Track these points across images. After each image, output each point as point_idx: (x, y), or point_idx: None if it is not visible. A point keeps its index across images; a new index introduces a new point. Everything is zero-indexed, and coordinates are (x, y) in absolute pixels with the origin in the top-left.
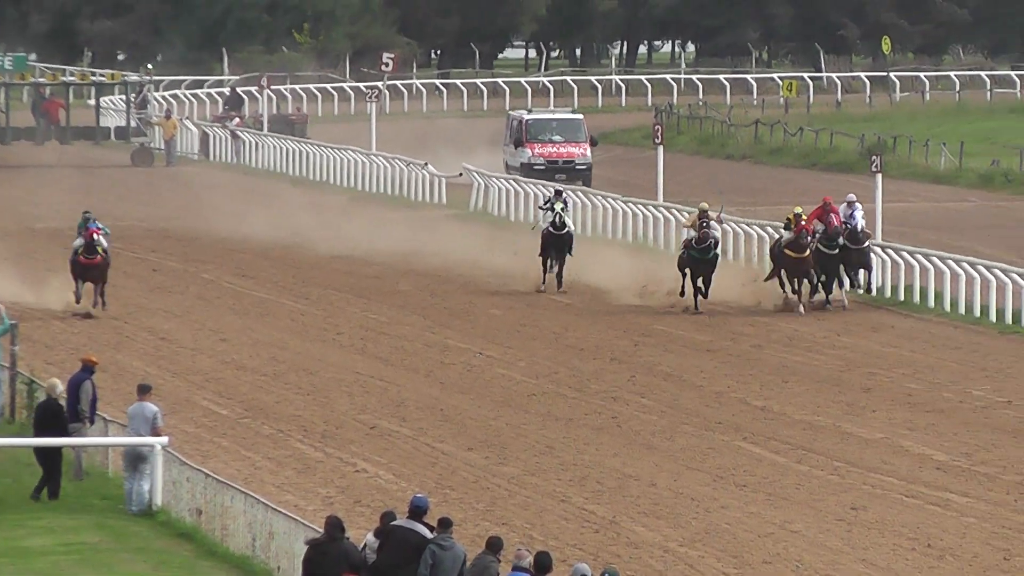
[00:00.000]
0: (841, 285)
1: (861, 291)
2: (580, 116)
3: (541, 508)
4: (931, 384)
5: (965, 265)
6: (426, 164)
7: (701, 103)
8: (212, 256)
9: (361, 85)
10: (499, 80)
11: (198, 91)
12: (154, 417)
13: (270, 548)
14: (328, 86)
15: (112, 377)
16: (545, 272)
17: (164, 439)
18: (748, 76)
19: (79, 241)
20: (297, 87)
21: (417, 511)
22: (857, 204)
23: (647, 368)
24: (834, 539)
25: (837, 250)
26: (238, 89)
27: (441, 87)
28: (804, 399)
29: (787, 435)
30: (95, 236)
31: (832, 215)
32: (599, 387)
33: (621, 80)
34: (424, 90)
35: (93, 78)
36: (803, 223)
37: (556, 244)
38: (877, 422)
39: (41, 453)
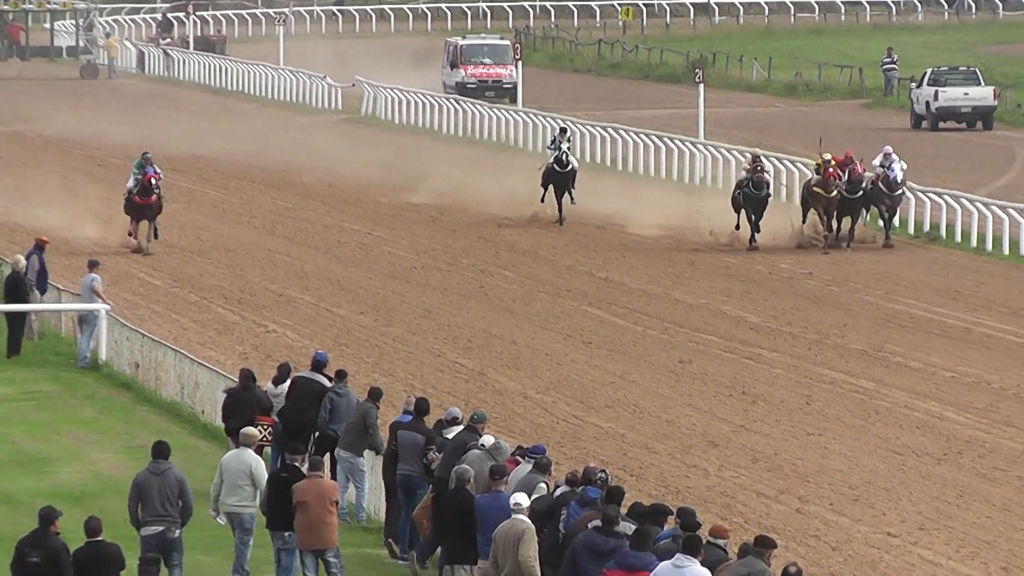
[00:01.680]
0: (884, 225)
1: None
2: (507, 42)
3: (420, 362)
4: (746, 258)
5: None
6: (324, 76)
7: (553, 25)
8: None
9: (271, 11)
10: (385, 7)
11: (135, 16)
12: (92, 284)
13: (196, 395)
14: (244, 12)
15: (64, 255)
16: (544, 196)
17: (108, 305)
18: (592, 3)
19: (132, 183)
20: (218, 12)
21: (318, 364)
22: (894, 156)
23: (509, 246)
24: (665, 387)
25: (860, 194)
26: (169, 15)
27: (353, 12)
28: (639, 271)
29: (625, 301)
30: (152, 181)
31: (854, 164)
32: (469, 261)
33: (487, 7)
34: (340, 15)
35: (49, 5)
36: (831, 170)
37: (559, 180)
38: (700, 290)
39: (8, 317)
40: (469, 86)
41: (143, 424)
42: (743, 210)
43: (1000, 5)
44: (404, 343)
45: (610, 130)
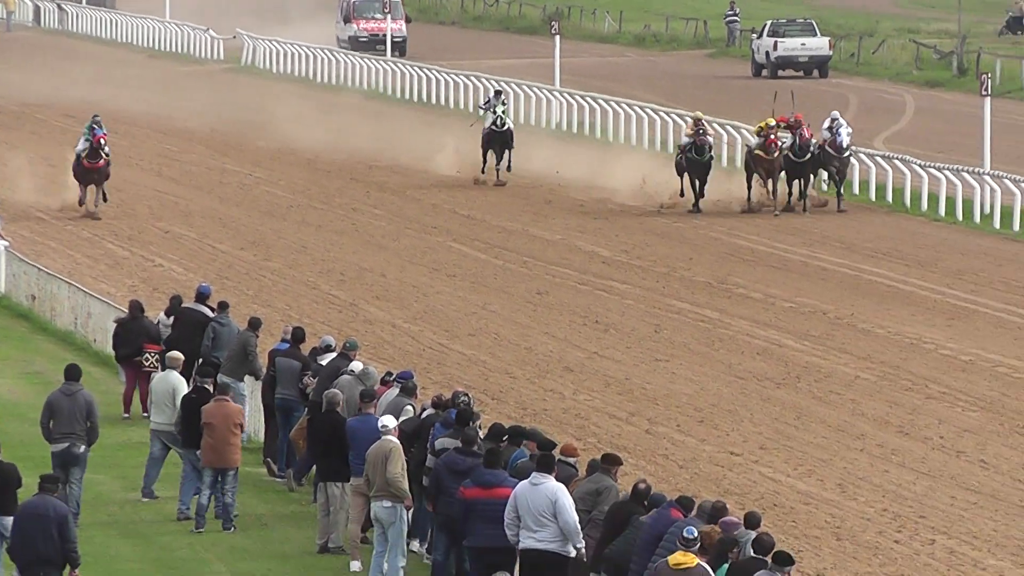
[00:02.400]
0: (827, 187)
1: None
2: None
3: (297, 294)
4: (598, 199)
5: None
6: (207, 29)
7: None
8: (46, 101)
9: None
10: None
11: None
12: None
13: (88, 325)
14: None
15: None
16: (485, 163)
17: (6, 241)
18: None
19: (83, 145)
20: None
21: (202, 296)
22: (841, 120)
23: (379, 186)
24: (523, 317)
25: (807, 157)
26: None
27: None
28: (500, 209)
29: (486, 237)
30: (101, 141)
31: (804, 129)
32: (342, 200)
33: None
34: None
35: None
36: (772, 137)
37: (498, 140)
38: (556, 227)
39: None
40: (361, 39)
41: (39, 352)
42: (686, 174)
43: None
44: (282, 276)
45: (473, 77)
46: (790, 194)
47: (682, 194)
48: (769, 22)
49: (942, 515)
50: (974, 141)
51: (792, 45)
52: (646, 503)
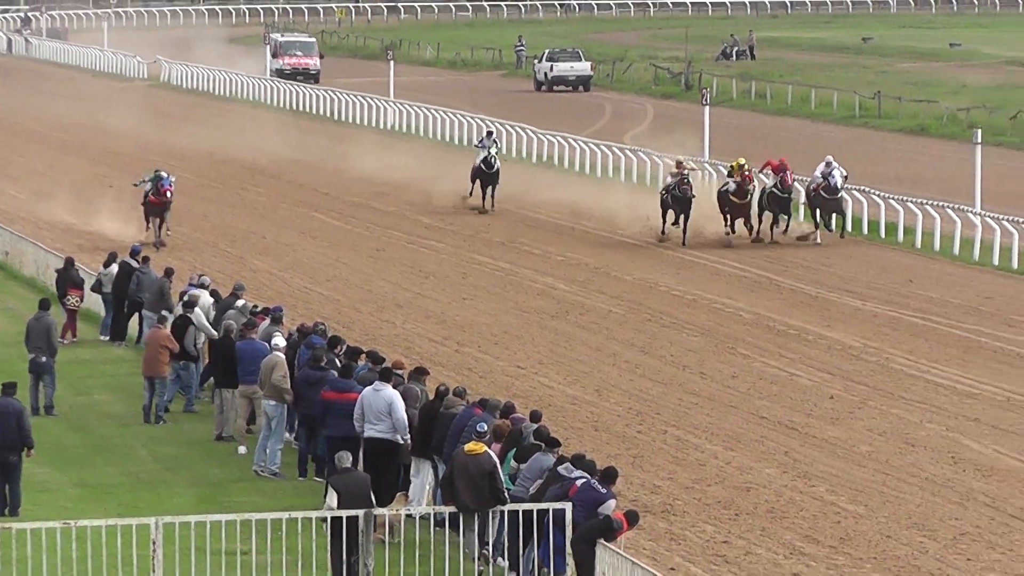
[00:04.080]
0: (817, 226)
1: (832, 233)
2: (313, 39)
3: (200, 250)
4: (422, 189)
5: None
6: (135, 55)
7: (292, 20)
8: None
9: (98, 10)
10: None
11: (4, 14)
12: None
13: (47, 274)
14: (80, 11)
15: None
16: (472, 191)
17: None
18: (318, 5)
19: (149, 187)
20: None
21: (133, 252)
22: (835, 164)
23: (260, 171)
24: (367, 267)
25: (788, 194)
26: (28, 12)
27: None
28: (350, 188)
29: (339, 208)
30: (168, 194)
31: (787, 172)
32: (233, 181)
33: (246, 8)
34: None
35: None
36: (747, 173)
37: (486, 178)
38: (393, 202)
39: None
40: (285, 71)
41: (11, 294)
42: (670, 211)
43: (596, 7)
44: (189, 239)
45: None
46: (771, 226)
47: (663, 231)
48: (547, 50)
49: (672, 412)
50: (698, 140)
51: (563, 67)
52: (444, 400)
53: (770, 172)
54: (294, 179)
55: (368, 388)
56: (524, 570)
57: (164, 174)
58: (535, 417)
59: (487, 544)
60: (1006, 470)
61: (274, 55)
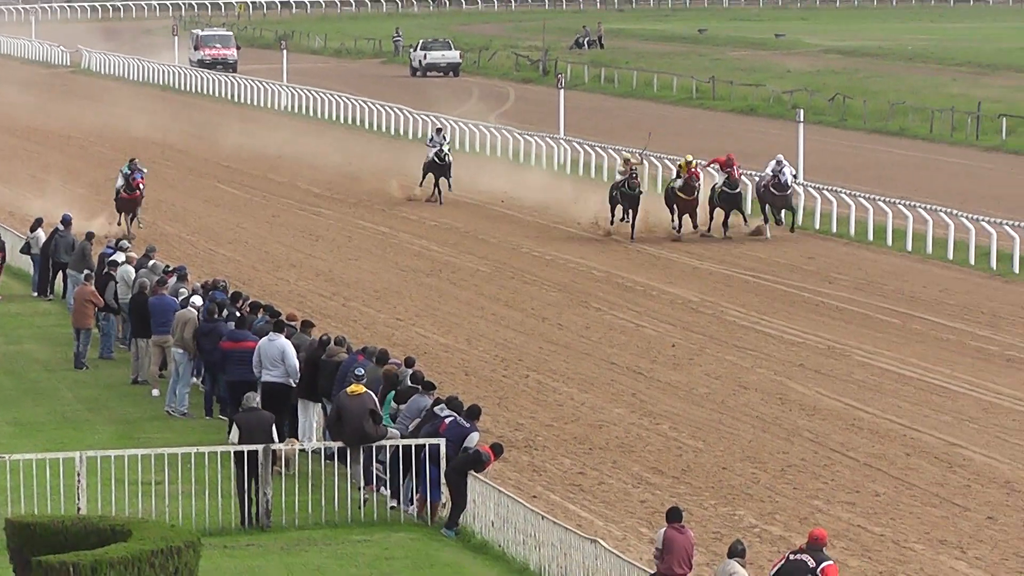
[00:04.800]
0: (766, 220)
1: (782, 225)
2: (231, 33)
3: (116, 215)
4: (311, 164)
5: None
6: (59, 45)
7: (197, 14)
8: None
9: (26, 6)
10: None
11: None
12: None
13: None
14: (9, 6)
15: None
16: (423, 182)
17: None
18: (220, 1)
19: (121, 182)
20: None
21: (65, 220)
22: (785, 162)
23: (170, 147)
24: (263, 231)
25: (738, 190)
26: None
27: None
28: (249, 162)
29: (240, 179)
30: (141, 186)
31: (734, 167)
32: (145, 155)
33: (157, 4)
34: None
35: None
36: (693, 169)
37: (438, 171)
38: (286, 173)
39: None
40: (206, 62)
41: None
42: (619, 206)
43: (463, 1)
44: (109, 205)
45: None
46: (724, 222)
47: (612, 222)
48: (421, 40)
49: (534, 359)
50: (554, 117)
51: (436, 55)
52: (326, 349)
53: (717, 168)
54: (199, 154)
55: (264, 338)
56: (404, 499)
57: (139, 164)
58: (409, 363)
59: (371, 475)
60: (827, 410)
61: (195, 47)
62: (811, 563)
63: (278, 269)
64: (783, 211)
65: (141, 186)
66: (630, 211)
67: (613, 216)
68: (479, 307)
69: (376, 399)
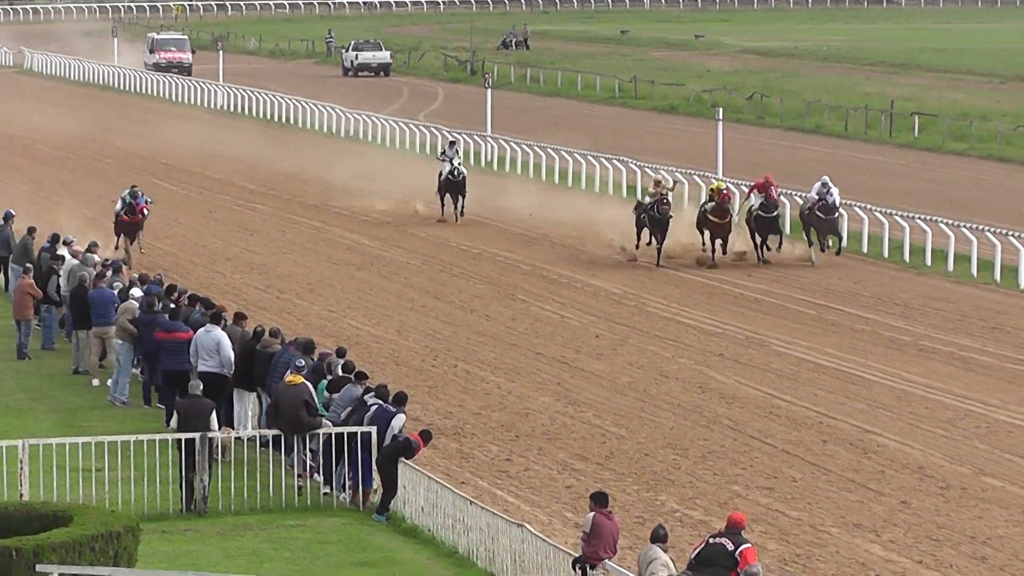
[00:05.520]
0: (811, 245)
1: (829, 252)
2: (186, 36)
3: (51, 209)
4: (250, 163)
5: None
6: (2, 47)
7: (136, 16)
8: None
9: None
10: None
11: None
12: None
13: None
14: None
15: None
16: (443, 206)
17: None
18: (158, 3)
19: (120, 206)
20: None
21: (7, 215)
22: (831, 184)
23: (109, 144)
24: (200, 226)
25: (775, 214)
26: None
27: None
28: (186, 160)
29: (176, 176)
30: (144, 212)
31: (772, 188)
32: (85, 153)
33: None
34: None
35: None
36: (724, 192)
37: (453, 189)
38: (221, 170)
39: None
40: (161, 65)
41: None
42: (646, 230)
43: (394, 3)
44: (50, 201)
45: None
46: (759, 246)
47: (637, 246)
48: (352, 41)
49: (462, 349)
50: (481, 116)
51: (367, 56)
52: (260, 340)
53: (755, 192)
54: (138, 151)
55: (201, 329)
56: (336, 485)
57: (140, 192)
58: (341, 353)
59: (305, 463)
60: (746, 398)
61: (151, 51)
62: (730, 546)
63: (214, 263)
64: (829, 236)
65: (145, 211)
66: (658, 236)
67: (639, 240)
68: (409, 299)
69: (312, 390)
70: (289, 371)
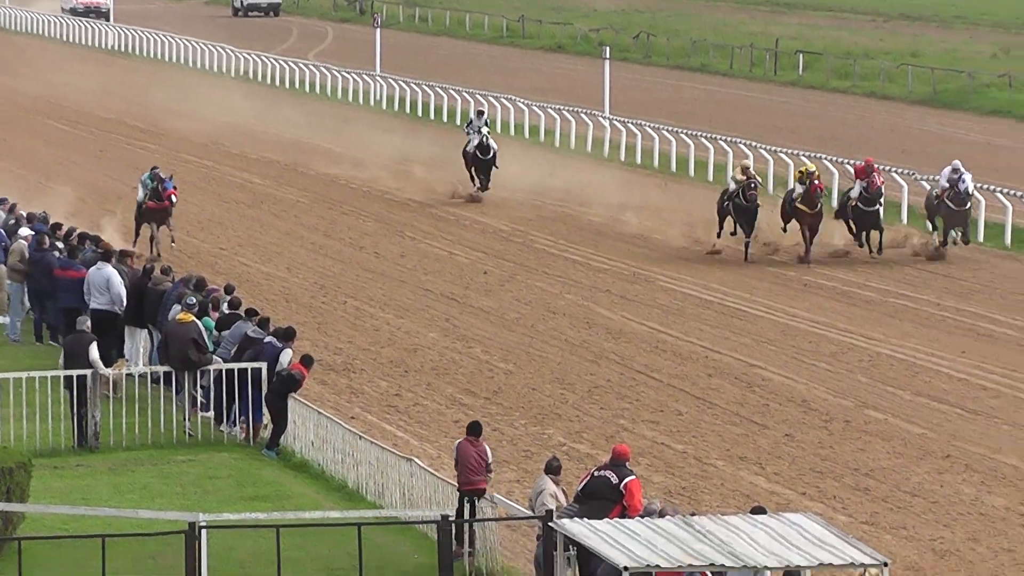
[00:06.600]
0: (944, 240)
1: (957, 245)
2: None
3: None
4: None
5: None
6: None
7: None
8: None
9: None
10: None
11: None
12: None
13: None
14: None
15: None
16: (473, 180)
17: None
18: None
19: (143, 194)
20: None
21: None
22: (963, 169)
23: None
24: (92, 166)
25: (877, 207)
26: None
27: None
28: (79, 101)
29: (68, 116)
30: (172, 198)
31: (875, 175)
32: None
33: None
34: None
35: None
36: (816, 183)
37: (482, 166)
38: (113, 110)
39: None
40: (79, 10)
41: None
42: (730, 218)
43: None
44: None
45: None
46: (860, 244)
47: (719, 235)
48: None
49: (351, 286)
50: (370, 56)
51: None
52: (151, 277)
53: (855, 179)
54: (28, 91)
55: (92, 267)
56: (227, 421)
57: (164, 175)
58: (229, 290)
59: (196, 399)
60: (632, 333)
61: None
62: (615, 479)
63: (106, 202)
64: (958, 228)
65: (173, 197)
66: (745, 225)
67: (721, 229)
68: (299, 237)
69: (201, 328)
70: (180, 309)
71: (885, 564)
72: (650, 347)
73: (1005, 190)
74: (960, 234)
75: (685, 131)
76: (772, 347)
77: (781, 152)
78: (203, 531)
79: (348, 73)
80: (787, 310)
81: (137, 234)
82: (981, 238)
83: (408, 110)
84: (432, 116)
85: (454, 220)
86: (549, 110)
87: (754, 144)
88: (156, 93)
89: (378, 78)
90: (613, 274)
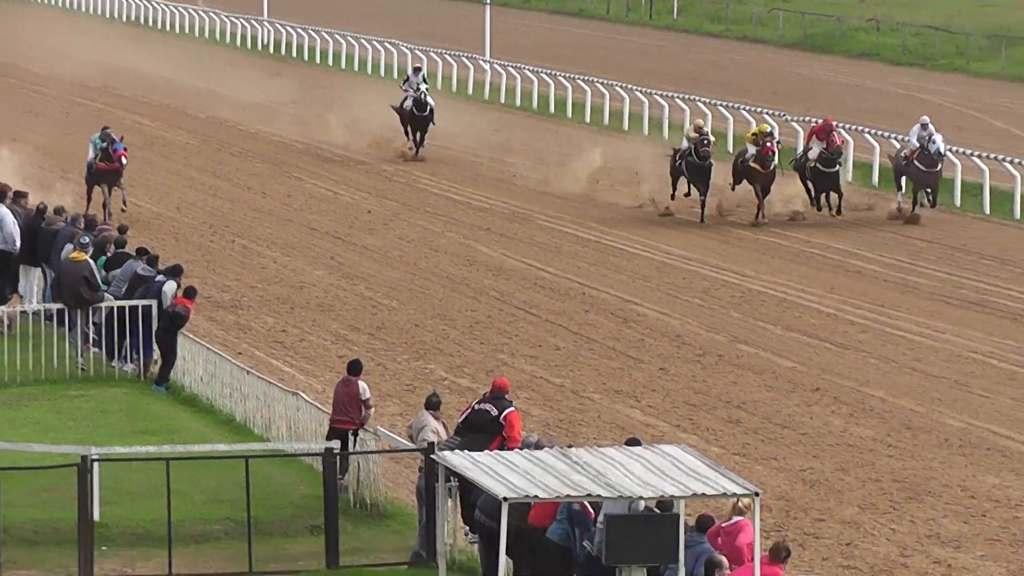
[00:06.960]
0: (915, 202)
1: (926, 207)
2: None
3: None
4: (38, 48)
5: None
6: None
7: None
8: None
9: None
10: None
11: None
12: None
13: None
14: None
15: None
16: (409, 138)
17: None
18: None
19: (93, 155)
20: None
21: None
22: (932, 127)
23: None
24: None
25: (836, 168)
26: None
27: None
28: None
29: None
30: (123, 159)
31: (834, 134)
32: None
33: None
34: None
35: None
36: (768, 145)
37: (418, 123)
38: (3, 55)
39: None
40: None
41: None
42: (682, 178)
43: None
44: None
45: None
46: (819, 207)
47: (672, 196)
48: None
49: (239, 225)
50: (258, 1)
51: None
52: (44, 217)
53: (815, 139)
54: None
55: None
56: (119, 357)
57: (115, 136)
58: (122, 230)
59: (88, 335)
60: (512, 270)
61: None
62: (494, 412)
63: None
64: (927, 191)
65: (123, 159)
66: (700, 184)
67: (675, 190)
68: (188, 178)
69: (93, 266)
70: (72, 247)
71: (756, 494)
72: (529, 284)
73: (872, 131)
74: (928, 196)
75: (563, 74)
76: (647, 284)
77: (656, 95)
78: (95, 464)
79: (236, 18)
80: (662, 247)
81: (89, 198)
82: (850, 177)
83: (294, 54)
84: (317, 61)
85: (339, 161)
86: (431, 53)
87: (630, 87)
88: (48, 38)
89: (266, 23)
90: (493, 213)
